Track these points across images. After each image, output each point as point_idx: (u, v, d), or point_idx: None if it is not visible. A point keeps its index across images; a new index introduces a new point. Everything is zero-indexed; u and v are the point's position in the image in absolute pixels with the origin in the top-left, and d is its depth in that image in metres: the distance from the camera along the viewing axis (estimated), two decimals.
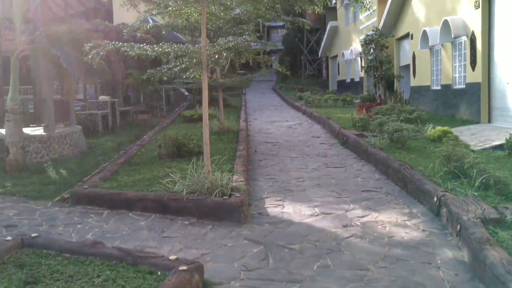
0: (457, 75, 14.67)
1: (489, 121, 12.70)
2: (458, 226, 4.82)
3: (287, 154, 10.23)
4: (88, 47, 6.19)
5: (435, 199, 5.74)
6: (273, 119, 17.43)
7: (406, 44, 20.82)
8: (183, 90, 27.15)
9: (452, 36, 13.87)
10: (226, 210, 5.82)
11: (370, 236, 5.15)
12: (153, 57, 6.24)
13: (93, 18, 22.49)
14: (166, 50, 6.29)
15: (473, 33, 13.09)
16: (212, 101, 23.23)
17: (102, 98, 15.74)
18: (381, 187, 7.18)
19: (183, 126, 14.81)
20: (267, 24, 69.46)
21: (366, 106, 14.69)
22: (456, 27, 13.74)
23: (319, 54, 41.10)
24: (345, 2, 31.37)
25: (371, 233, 5.22)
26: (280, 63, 52.13)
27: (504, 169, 7.48)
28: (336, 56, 35.03)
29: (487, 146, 9.73)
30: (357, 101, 22.71)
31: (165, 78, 20.91)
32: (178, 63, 7.06)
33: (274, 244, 4.99)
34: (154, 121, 16.63)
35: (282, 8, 10.59)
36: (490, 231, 4.57)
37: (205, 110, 6.69)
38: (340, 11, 33.76)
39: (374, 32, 16.79)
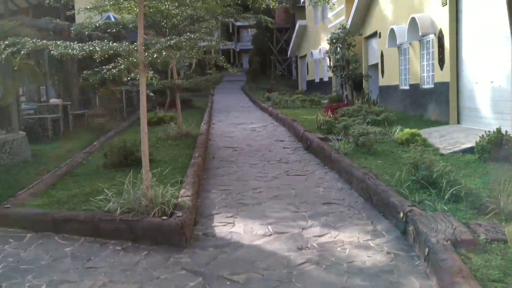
0: (425, 74, 14.23)
1: (458, 122, 12.26)
2: (427, 250, 4.19)
3: (247, 161, 9.52)
4: (3, 46, 5.33)
5: (401, 214, 5.11)
6: (238, 121, 16.71)
7: (374, 43, 20.39)
8: (148, 91, 26.21)
9: (420, 34, 13.40)
10: (164, 233, 5.07)
11: (327, 261, 4.47)
12: (79, 56, 5.42)
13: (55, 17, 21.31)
14: (97, 48, 5.49)
15: (440, 31, 12.64)
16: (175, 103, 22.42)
17: (53, 101, 14.72)
18: (343, 199, 6.53)
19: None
20: (236, 23, 69.14)
21: (332, 107, 14.11)
22: (423, 25, 13.28)
23: (288, 53, 40.58)
24: (313, 1, 30.93)
25: (328, 258, 4.54)
26: (250, 63, 51.76)
27: (475, 176, 6.95)
28: (305, 55, 34.55)
29: (456, 149, 9.23)
30: (325, 101, 22.18)
31: (126, 79, 20.01)
32: (116, 63, 6.26)
33: (216, 275, 4.26)
34: (111, 125, 15.70)
35: (236, 3, 9.93)
36: (462, 257, 3.94)
37: (143, 115, 5.91)
38: (309, 10, 33.28)
39: (340, 30, 16.23)
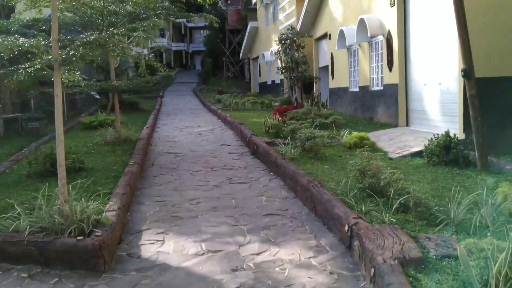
0: (374, 76, 14.07)
1: (407, 124, 12.11)
2: (372, 270, 3.74)
3: (188, 167, 8.91)
4: None
5: (346, 228, 4.67)
6: (185, 124, 16.04)
7: (325, 44, 20.21)
8: (93, 93, 25.02)
9: (369, 35, 13.21)
10: (80, 255, 4.40)
11: (263, 284, 3.95)
12: None
13: None
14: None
15: (389, 32, 12.47)
16: (124, 105, 21.43)
17: None
18: (287, 209, 6.04)
19: (80, 135, 13.07)
20: (189, 25, 68.18)
21: (281, 110, 13.70)
22: (372, 26, 13.10)
23: (241, 55, 40.12)
24: (264, 2, 30.61)
25: (265, 281, 4.02)
26: (202, 65, 50.94)
27: (424, 182, 6.65)
28: (257, 57, 34.21)
29: (405, 153, 8.98)
30: (277, 104, 21.82)
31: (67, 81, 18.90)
32: (33, 62, 5.52)
33: None
34: (48, 129, 14.66)
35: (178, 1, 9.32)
36: (411, 279, 3.52)
37: (58, 120, 5.19)
38: (260, 11, 32.97)
39: (289, 31, 15.85)
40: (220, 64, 49.32)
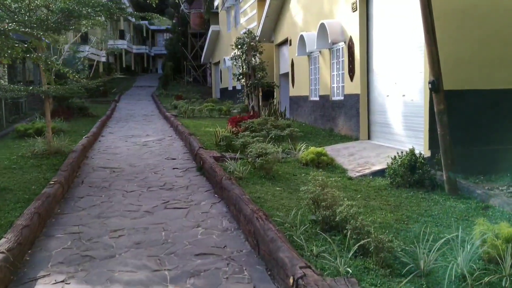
0: (335, 85, 13.28)
1: (369, 138, 11.33)
2: None
3: (122, 187, 7.76)
4: None
5: (291, 280, 3.69)
6: (133, 133, 14.81)
7: (286, 50, 19.39)
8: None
9: (330, 41, 12.40)
10: None
11: None
12: None
13: None
14: None
15: (350, 39, 11.69)
16: (71, 110, 19.94)
17: None
18: (225, 246, 5.02)
19: (9, 144, 11.68)
20: (151, 27, 66.57)
21: (236, 119, 12.70)
22: (333, 31, 12.29)
23: (202, 60, 38.99)
24: (226, 6, 29.62)
25: None
26: (163, 68, 49.53)
27: (386, 210, 5.78)
28: (219, 62, 33.18)
29: (366, 171, 8.13)
30: (235, 111, 20.88)
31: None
32: None
33: None
34: None
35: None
36: None
37: None
38: (222, 14, 31.99)
39: (246, 35, 14.90)
40: (182, 68, 47.99)
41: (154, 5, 10.36)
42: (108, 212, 6.36)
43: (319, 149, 8.76)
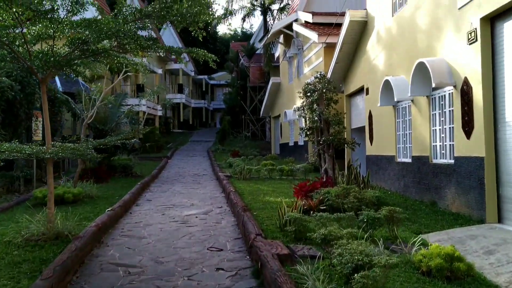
0: (438, 143, 9.98)
1: (500, 220, 7.86)
2: None
3: None
4: None
5: None
6: (176, 200, 12.01)
7: (360, 101, 16.36)
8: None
9: (433, 85, 9.23)
10: None
11: None
12: None
13: None
14: None
15: (466, 81, 8.50)
16: (113, 169, 17.63)
17: None
18: None
19: (17, 217, 9.10)
20: (211, 82, 66.17)
21: (306, 188, 9.58)
22: (437, 72, 9.14)
23: (261, 113, 36.66)
24: (288, 55, 27.28)
25: None
26: (221, 122, 47.91)
27: None
28: (279, 116, 30.59)
29: None
30: (299, 170, 17.81)
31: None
32: None
33: None
34: None
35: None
36: None
37: None
38: (283, 65, 29.69)
39: (318, 78, 12.00)
40: (240, 122, 45.94)
41: (200, 38, 7.83)
42: None
43: (448, 248, 5.43)
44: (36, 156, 6.72)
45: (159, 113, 39.89)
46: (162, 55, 34.11)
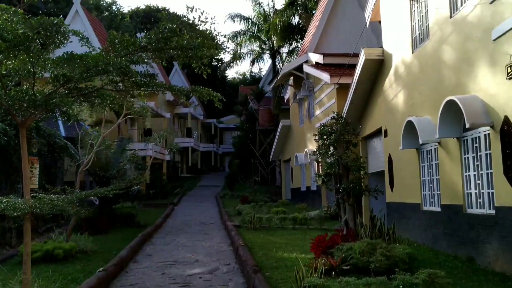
0: (473, 191, 8.84)
1: None
2: None
3: None
4: None
5: None
6: (179, 256, 10.83)
7: (378, 143, 15.32)
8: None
9: (467, 126, 8.19)
10: None
11: None
12: None
13: None
14: None
15: (506, 120, 7.47)
16: (115, 219, 16.55)
17: None
18: None
19: None
20: (220, 126, 65.74)
21: (324, 243, 8.41)
22: (471, 111, 8.14)
23: (271, 157, 35.66)
24: (298, 97, 26.56)
25: None
26: (230, 166, 46.95)
27: None
28: (290, 159, 29.59)
29: None
30: (313, 217, 16.58)
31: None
32: None
33: None
34: None
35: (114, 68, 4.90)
36: None
37: None
38: (293, 107, 28.96)
39: (334, 119, 11.02)
40: (249, 166, 44.93)
41: (205, 76, 6.96)
42: None
43: None
44: (2, 212, 5.68)
45: (167, 157, 39.02)
46: (163, 94, 33.33)
